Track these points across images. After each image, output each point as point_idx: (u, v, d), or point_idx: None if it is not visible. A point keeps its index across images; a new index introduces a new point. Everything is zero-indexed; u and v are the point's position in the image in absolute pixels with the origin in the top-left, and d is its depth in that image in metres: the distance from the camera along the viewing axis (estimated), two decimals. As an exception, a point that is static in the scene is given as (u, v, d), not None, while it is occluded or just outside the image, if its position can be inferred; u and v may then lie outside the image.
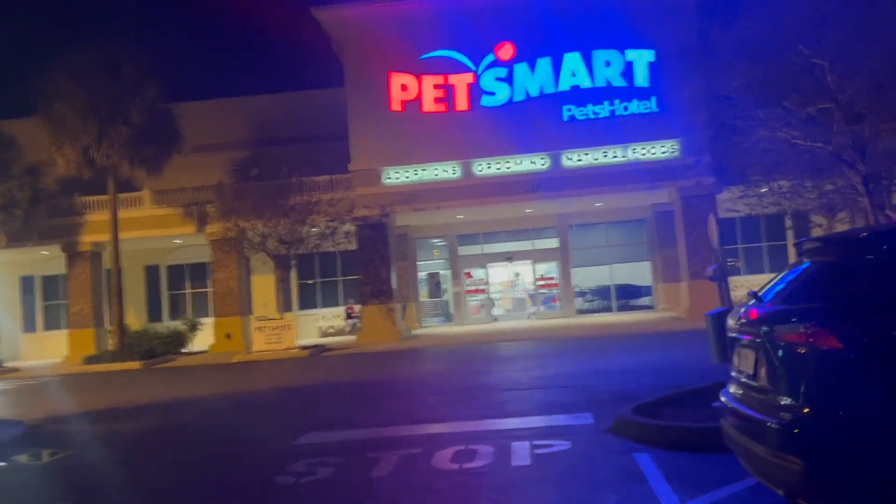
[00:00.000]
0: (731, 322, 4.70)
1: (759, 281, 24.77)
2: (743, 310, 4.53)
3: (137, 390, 15.14)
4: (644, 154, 22.77)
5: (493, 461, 6.34)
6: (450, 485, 5.77)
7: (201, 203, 24.68)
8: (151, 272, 29.10)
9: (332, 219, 22.14)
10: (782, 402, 3.72)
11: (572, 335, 20.14)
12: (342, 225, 22.29)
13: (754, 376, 4.10)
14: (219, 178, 25.46)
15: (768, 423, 3.72)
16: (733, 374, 4.53)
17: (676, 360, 12.98)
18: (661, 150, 22.75)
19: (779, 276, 4.77)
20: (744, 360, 4.31)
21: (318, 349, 21.48)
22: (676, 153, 22.69)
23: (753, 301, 4.49)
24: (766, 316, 4.15)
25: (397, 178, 23.50)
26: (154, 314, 28.79)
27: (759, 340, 4.05)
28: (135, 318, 28.38)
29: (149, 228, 25.18)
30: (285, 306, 28.08)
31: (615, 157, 22.87)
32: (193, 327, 25.17)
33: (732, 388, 4.50)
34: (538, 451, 6.60)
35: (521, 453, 6.55)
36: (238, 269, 24.82)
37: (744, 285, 26.05)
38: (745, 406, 4.12)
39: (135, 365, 21.21)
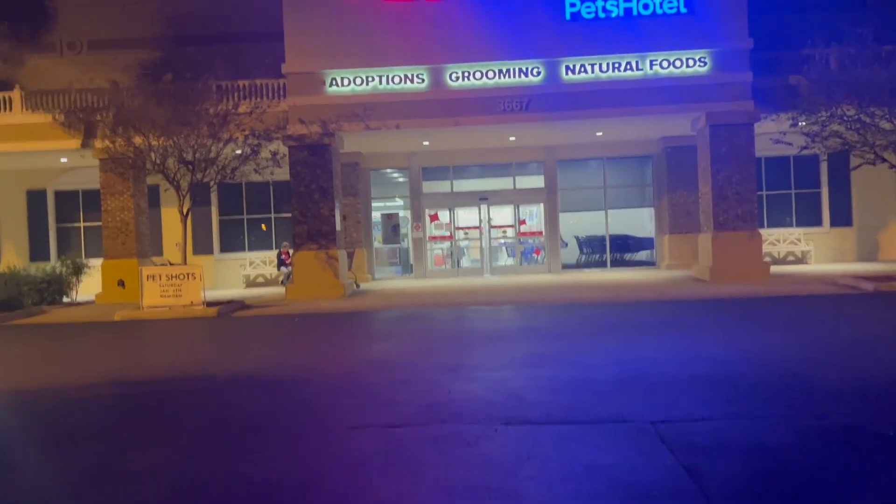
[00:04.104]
0: None
1: (783, 236, 20.03)
2: None
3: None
4: (666, 68, 17.60)
5: None
6: None
7: (87, 109, 18.80)
8: (35, 199, 23.17)
9: (256, 134, 16.55)
10: None
11: (568, 298, 15.22)
12: (269, 143, 16.72)
13: None
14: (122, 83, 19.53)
15: None
16: None
17: (774, 352, 8.07)
18: (687, 63, 17.58)
19: None
20: None
21: (231, 306, 16.19)
22: (707, 68, 17.59)
23: None
24: None
25: (345, 86, 17.95)
26: (38, 251, 23.03)
27: None
28: (14, 256, 22.68)
29: (20, 140, 19.25)
30: (202, 248, 22.62)
31: (629, 69, 17.65)
32: (78, 270, 19.54)
33: None
34: None
35: None
36: (134, 197, 19.17)
37: (767, 239, 21.47)
38: None
39: (-20, 320, 15.69)
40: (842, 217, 21.85)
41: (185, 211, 16.50)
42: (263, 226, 23.16)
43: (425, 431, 5.53)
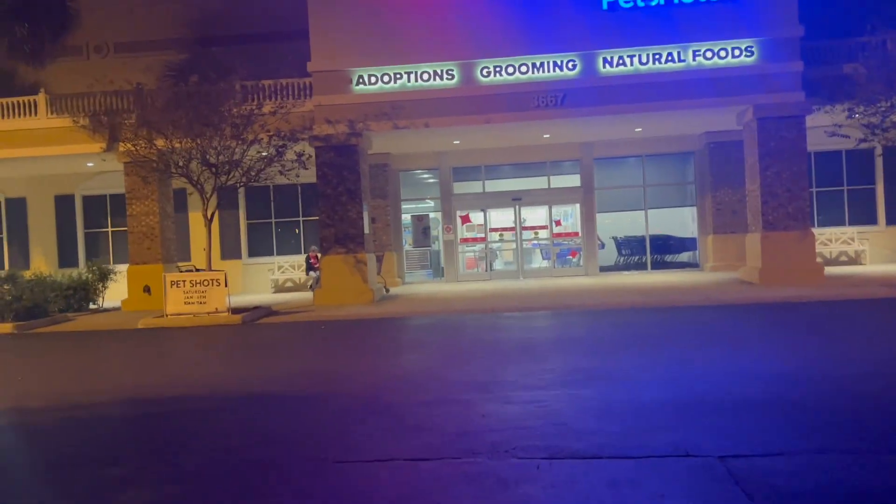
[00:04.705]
0: None
1: (835, 235, 18.72)
2: None
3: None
4: (710, 58, 16.62)
5: None
6: None
7: (111, 112, 18.44)
8: (63, 204, 22.99)
9: (282, 135, 15.96)
10: None
11: (608, 303, 14.36)
12: (294, 144, 16.14)
13: None
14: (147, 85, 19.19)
15: None
16: None
17: (844, 366, 7.15)
18: (733, 53, 16.59)
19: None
20: None
21: (257, 312, 15.66)
22: (753, 58, 16.57)
23: None
24: None
25: (373, 84, 17.31)
26: (67, 257, 22.83)
27: None
28: (43, 262, 22.53)
29: (45, 144, 19.02)
30: (230, 252, 22.22)
31: (670, 61, 16.72)
32: (104, 276, 19.25)
33: None
34: None
35: None
36: (160, 201, 18.78)
37: (818, 239, 20.27)
38: None
39: (4, 328, 15.37)
40: (899, 215, 20.59)
41: (209, 215, 16.02)
42: (279, 229, 22.68)
43: (456, 467, 4.80)
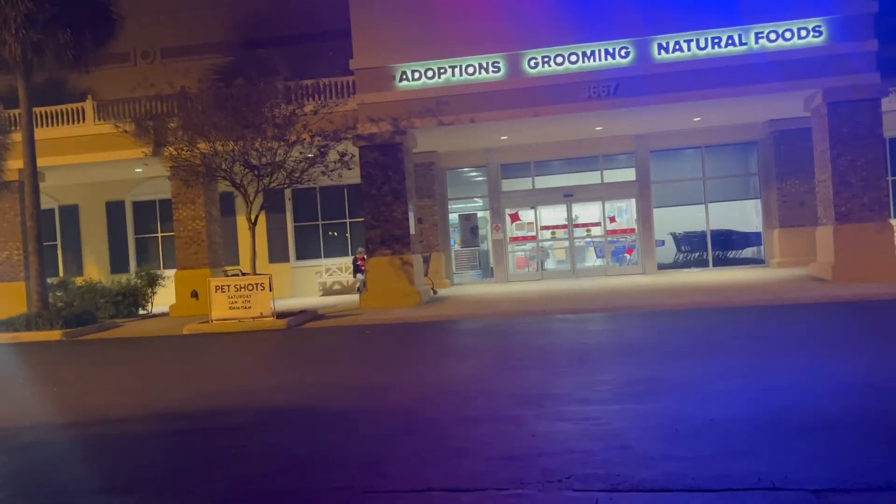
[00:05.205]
0: None
1: None
2: None
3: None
4: (775, 40, 15.55)
5: None
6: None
7: (156, 117, 18.37)
8: (114, 210, 23.16)
9: (325, 135, 15.56)
10: None
11: (669, 304, 13.47)
12: (337, 144, 15.72)
13: None
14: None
15: None
16: None
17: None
18: (799, 33, 15.48)
19: None
20: None
21: (302, 317, 15.30)
22: (822, 39, 15.43)
23: None
24: None
25: (416, 80, 16.78)
26: (119, 263, 22.99)
27: None
28: (95, 269, 22.75)
29: (93, 150, 19.13)
30: (278, 256, 22.01)
31: (731, 44, 15.70)
32: (152, 282, 19.22)
33: None
34: None
35: None
36: (206, 205, 18.62)
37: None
38: None
39: (53, 335, 15.36)
40: None
41: (253, 218, 15.73)
42: (333, 233, 22.33)
43: (501, 501, 4.16)
